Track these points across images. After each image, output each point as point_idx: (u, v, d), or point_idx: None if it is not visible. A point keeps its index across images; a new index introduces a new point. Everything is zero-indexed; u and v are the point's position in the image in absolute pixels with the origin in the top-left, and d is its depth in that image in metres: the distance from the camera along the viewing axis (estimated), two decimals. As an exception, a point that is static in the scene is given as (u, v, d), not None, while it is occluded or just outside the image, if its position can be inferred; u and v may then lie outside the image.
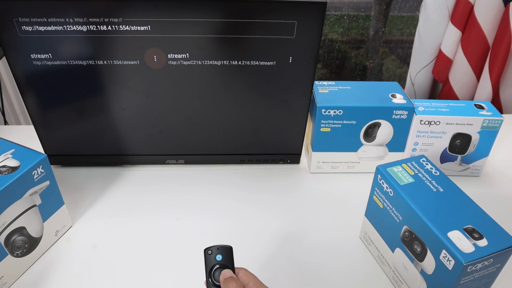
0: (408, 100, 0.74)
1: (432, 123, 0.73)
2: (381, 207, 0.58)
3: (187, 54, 0.65)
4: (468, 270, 0.46)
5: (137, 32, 0.63)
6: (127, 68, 0.66)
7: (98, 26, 0.62)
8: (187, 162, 0.80)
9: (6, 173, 0.54)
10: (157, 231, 0.67)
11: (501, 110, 1.18)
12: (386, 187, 0.56)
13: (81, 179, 0.77)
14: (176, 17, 0.62)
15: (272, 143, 0.78)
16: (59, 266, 0.61)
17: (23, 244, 0.57)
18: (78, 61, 0.65)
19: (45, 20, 0.61)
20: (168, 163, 0.80)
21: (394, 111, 0.72)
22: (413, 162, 0.58)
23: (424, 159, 0.59)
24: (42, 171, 0.57)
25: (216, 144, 0.78)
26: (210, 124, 0.74)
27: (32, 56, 0.64)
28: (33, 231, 0.59)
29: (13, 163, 0.55)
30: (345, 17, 1.61)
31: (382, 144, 0.76)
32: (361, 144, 0.76)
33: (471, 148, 0.75)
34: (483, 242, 0.47)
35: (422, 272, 0.52)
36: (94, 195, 0.74)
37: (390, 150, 0.77)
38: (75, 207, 0.71)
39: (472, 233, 0.48)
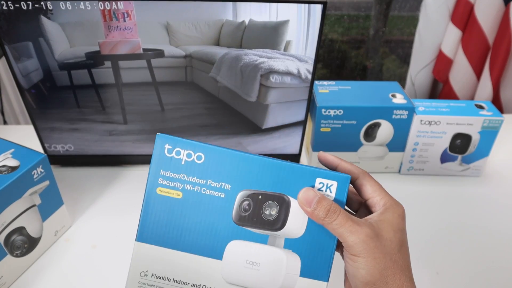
0: (408, 100, 0.73)
1: (433, 123, 0.73)
2: None
3: (186, 54, 0.65)
4: None
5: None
6: (128, 68, 0.66)
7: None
8: (187, 162, 0.80)
9: (5, 172, 0.54)
10: (157, 231, 0.67)
11: (501, 110, 1.18)
12: None
13: (81, 179, 0.77)
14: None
15: (272, 143, 0.78)
16: (59, 266, 0.61)
17: (23, 244, 0.57)
18: (78, 60, 0.65)
19: (44, 20, 0.61)
20: (168, 163, 0.80)
21: (394, 111, 0.72)
22: None
23: None
24: (42, 171, 0.57)
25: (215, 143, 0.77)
26: (210, 124, 0.74)
27: (32, 56, 0.64)
28: (32, 231, 0.59)
29: (12, 162, 0.55)
30: (345, 17, 1.61)
31: (382, 144, 0.76)
32: (361, 144, 0.76)
33: (471, 148, 0.75)
34: None
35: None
36: (93, 195, 0.73)
37: (390, 150, 0.77)
38: (74, 207, 0.70)
39: None
